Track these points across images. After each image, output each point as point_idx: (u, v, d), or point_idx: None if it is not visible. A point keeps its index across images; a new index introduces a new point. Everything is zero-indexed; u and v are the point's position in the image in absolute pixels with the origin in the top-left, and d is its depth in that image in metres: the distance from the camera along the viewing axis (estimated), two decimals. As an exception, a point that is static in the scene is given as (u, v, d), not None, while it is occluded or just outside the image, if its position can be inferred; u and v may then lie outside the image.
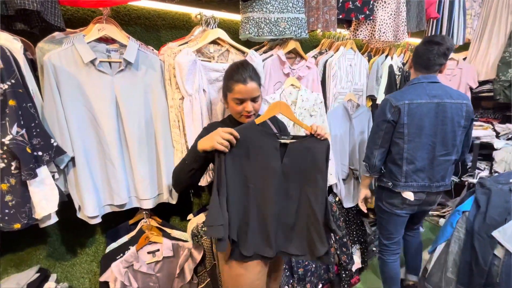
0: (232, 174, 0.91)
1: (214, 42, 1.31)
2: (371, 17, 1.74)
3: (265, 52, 1.56)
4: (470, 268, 1.35)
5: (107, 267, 1.23)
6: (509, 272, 1.21)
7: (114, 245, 1.32)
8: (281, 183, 0.97)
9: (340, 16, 1.67)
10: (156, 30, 1.41)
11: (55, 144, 0.99)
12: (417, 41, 2.27)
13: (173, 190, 1.31)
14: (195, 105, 1.23)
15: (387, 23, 1.79)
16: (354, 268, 1.91)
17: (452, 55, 2.42)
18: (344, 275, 1.82)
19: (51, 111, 1.03)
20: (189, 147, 1.26)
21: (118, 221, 1.41)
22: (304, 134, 1.03)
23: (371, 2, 1.70)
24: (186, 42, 1.32)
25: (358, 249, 1.97)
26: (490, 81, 2.27)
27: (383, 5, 1.77)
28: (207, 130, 1.04)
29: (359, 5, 1.68)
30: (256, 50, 1.51)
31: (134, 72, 1.16)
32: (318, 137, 0.98)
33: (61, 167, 1.08)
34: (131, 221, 1.41)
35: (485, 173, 1.92)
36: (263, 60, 1.44)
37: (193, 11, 1.40)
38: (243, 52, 1.39)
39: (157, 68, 1.21)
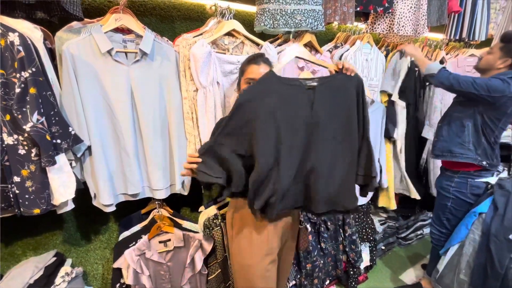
0: (262, 137, 0.82)
1: (229, 34, 1.29)
2: (390, 10, 1.68)
3: (279, 45, 1.53)
4: (485, 271, 1.32)
5: (120, 254, 1.26)
6: (526, 276, 1.18)
7: (127, 233, 1.35)
8: (314, 133, 0.86)
9: (358, 9, 1.62)
10: (171, 21, 1.41)
11: (73, 132, 1.01)
12: (437, 36, 2.19)
13: (185, 181, 1.33)
14: (208, 97, 1.23)
15: (406, 17, 1.73)
16: (362, 266, 1.89)
17: (473, 51, 2.33)
18: (352, 272, 1.81)
19: (69, 100, 1.05)
20: (202, 140, 1.27)
21: (131, 210, 1.44)
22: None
23: (391, -6, 1.64)
24: (201, 34, 1.31)
25: (367, 247, 1.95)
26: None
27: (403, -3, 1.70)
28: (216, 127, 1.05)
29: (378, -3, 1.62)
30: (270, 42, 1.49)
31: (150, 63, 1.16)
32: (347, 72, 0.88)
33: (78, 156, 1.10)
34: (143, 211, 1.44)
35: (503, 175, 1.85)
36: (278, 53, 1.41)
37: (208, 2, 1.39)
38: (258, 45, 1.37)
39: (172, 59, 1.21)
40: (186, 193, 1.35)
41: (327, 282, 1.81)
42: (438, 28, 2.12)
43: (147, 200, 1.41)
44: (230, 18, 1.29)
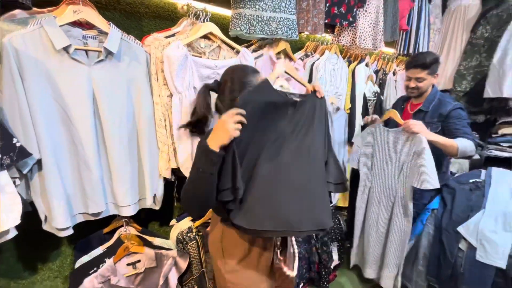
0: (243, 145, 0.81)
1: (205, 36, 1.23)
2: (354, 24, 1.80)
3: (254, 50, 1.52)
4: (439, 260, 1.49)
5: (78, 284, 1.09)
6: (472, 262, 1.36)
7: (86, 258, 1.17)
8: (291, 141, 0.91)
9: (326, 21, 1.71)
10: (138, 18, 1.28)
11: (18, 144, 0.83)
12: (389, 50, 2.43)
13: (157, 195, 1.21)
14: (184, 103, 1.14)
15: (367, 31, 1.88)
16: (332, 265, 1.98)
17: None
18: (324, 273, 1.88)
19: (12, 104, 0.86)
20: (176, 149, 1.17)
21: (89, 229, 1.25)
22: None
23: (355, 9, 1.77)
24: (173, 34, 1.22)
25: (336, 246, 2.05)
26: (448, 91, 2.53)
27: (364, 14, 1.85)
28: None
29: (343, 11, 1.73)
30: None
31: (116, 63, 1.03)
32: (318, 94, 1.01)
33: (24, 172, 0.91)
34: (105, 230, 1.27)
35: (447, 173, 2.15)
36: (255, 59, 1.39)
37: (179, 1, 1.30)
38: (233, 48, 1.33)
39: (142, 61, 1.09)
40: (158, 208, 1.23)
41: (301, 285, 1.84)
42: (390, 44, 2.36)
43: (109, 217, 1.24)
44: (207, 20, 1.23)
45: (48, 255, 1.24)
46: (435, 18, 2.56)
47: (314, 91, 1.01)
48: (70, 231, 1.03)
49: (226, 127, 0.73)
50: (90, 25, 1.00)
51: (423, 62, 1.49)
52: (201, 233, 1.36)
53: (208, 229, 1.37)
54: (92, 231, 1.27)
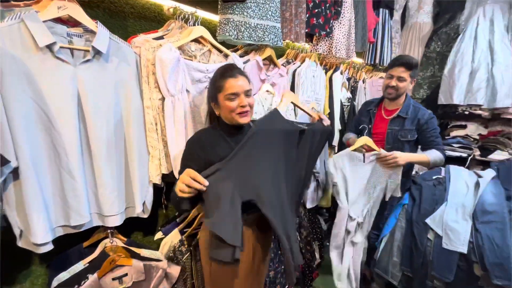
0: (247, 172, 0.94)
1: (195, 40, 1.22)
2: (331, 35, 1.94)
3: (240, 56, 1.54)
4: (411, 251, 1.64)
5: (57, 305, 0.98)
6: (439, 250, 1.52)
7: (65, 275, 1.05)
8: (294, 166, 1.07)
9: (306, 30, 1.81)
10: (122, 18, 1.22)
11: (-7, 151, 0.74)
12: (358, 60, 2.64)
13: (146, 202, 1.16)
14: (177, 107, 1.12)
15: (341, 42, 2.02)
16: (315, 264, 2.05)
17: (380, 74, 2.91)
18: (307, 272, 1.94)
19: (-15, 106, 0.77)
20: (170, 153, 1.14)
21: (65, 244, 1.14)
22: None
23: (331, 21, 1.90)
24: (162, 37, 1.19)
25: (317, 245, 2.13)
26: (408, 98, 2.81)
27: (338, 25, 2.00)
28: (191, 143, 1.01)
29: (321, 22, 1.85)
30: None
31: (103, 64, 0.97)
32: (324, 122, 1.19)
33: (-2, 182, 0.81)
34: (86, 243, 1.16)
35: (413, 172, 2.38)
36: (243, 63, 1.42)
37: (166, 3, 1.28)
38: (221, 52, 1.34)
39: (131, 62, 1.05)
40: (146, 216, 1.17)
41: (287, 286, 1.87)
42: (358, 54, 2.56)
43: (87, 230, 1.14)
44: (197, 24, 1.22)
45: (16, 276, 1.10)
46: (395, 33, 2.86)
47: (321, 119, 1.17)
48: (50, 246, 0.93)
49: (178, 185, 0.84)
50: (74, 22, 0.93)
51: (408, 61, 1.51)
52: (193, 243, 1.31)
53: (198, 236, 1.34)
54: (68, 246, 1.15)
